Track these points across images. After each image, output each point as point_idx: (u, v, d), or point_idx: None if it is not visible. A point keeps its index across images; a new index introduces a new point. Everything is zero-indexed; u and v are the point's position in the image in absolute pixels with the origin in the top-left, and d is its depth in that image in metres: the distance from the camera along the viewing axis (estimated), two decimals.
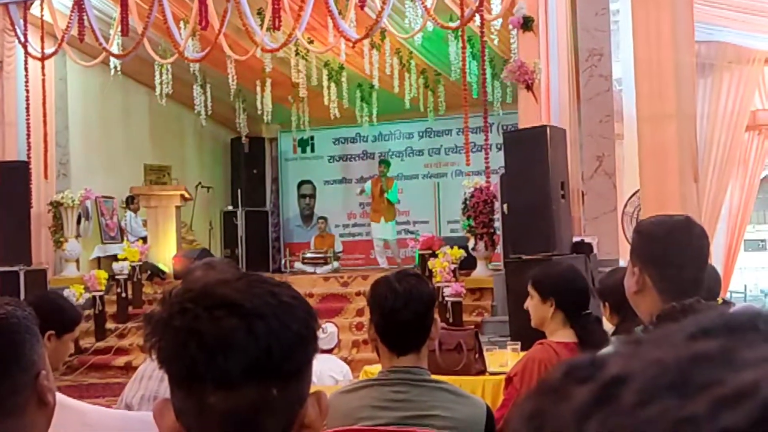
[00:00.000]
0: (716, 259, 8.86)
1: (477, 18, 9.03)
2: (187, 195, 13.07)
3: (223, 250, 14.01)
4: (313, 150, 15.85)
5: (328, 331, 5.11)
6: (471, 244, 10.06)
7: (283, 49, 10.78)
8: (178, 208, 12.99)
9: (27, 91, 10.90)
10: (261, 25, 10.32)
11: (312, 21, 10.33)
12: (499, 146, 10.84)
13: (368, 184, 13.62)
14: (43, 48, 10.93)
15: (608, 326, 3.39)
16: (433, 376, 2.55)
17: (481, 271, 10.18)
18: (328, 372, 4.72)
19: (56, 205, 11.48)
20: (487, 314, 9.71)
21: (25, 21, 10.92)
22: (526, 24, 8.55)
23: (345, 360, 6.30)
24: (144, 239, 12.41)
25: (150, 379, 2.87)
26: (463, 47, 9.74)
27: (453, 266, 9.68)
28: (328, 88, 13.03)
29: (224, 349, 0.98)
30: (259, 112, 13.44)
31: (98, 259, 12.50)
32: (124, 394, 2.95)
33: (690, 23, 7.67)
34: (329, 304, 10.50)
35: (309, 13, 9.81)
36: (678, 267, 2.10)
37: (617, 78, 9.53)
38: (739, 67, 9.68)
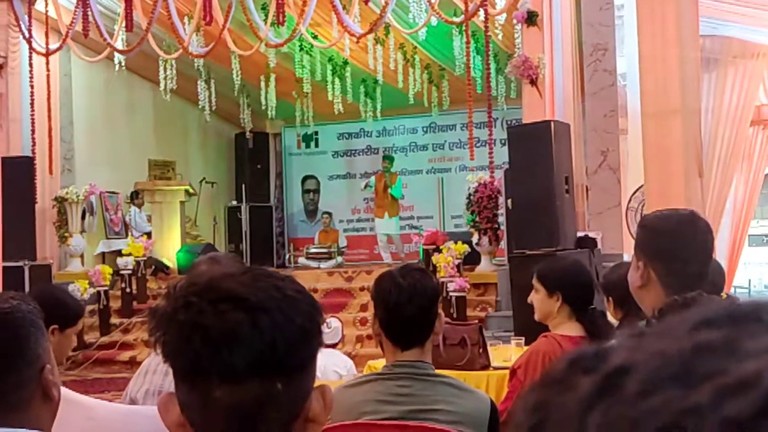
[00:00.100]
0: (720, 254, 8.84)
1: (481, 13, 9.01)
2: (191, 190, 13.10)
3: (228, 245, 14.01)
4: (317, 145, 15.85)
5: (332, 326, 5.12)
6: (475, 239, 10.05)
7: (287, 45, 10.78)
8: (182, 203, 13.03)
9: (32, 86, 10.89)
10: (265, 21, 10.32)
11: (316, 16, 10.34)
12: (503, 141, 10.87)
13: (373, 179, 13.62)
14: (47, 44, 10.92)
15: (612, 321, 3.39)
16: (437, 371, 2.55)
17: (485, 266, 10.19)
18: (332, 367, 4.73)
19: (61, 201, 11.49)
20: (491, 309, 9.71)
21: (30, 17, 10.91)
22: (531, 19, 8.53)
23: (349, 355, 6.30)
24: (148, 234, 12.41)
25: (155, 373, 2.87)
26: (467, 42, 9.73)
27: (457, 261, 9.68)
28: (332, 83, 13.03)
29: (229, 343, 0.98)
30: (263, 108, 13.46)
31: (103, 254, 12.51)
32: (128, 389, 2.95)
33: (695, 19, 7.65)
34: (333, 299, 10.51)
35: (313, 8, 9.81)
36: (683, 261, 2.10)
37: (622, 73, 9.50)
38: (744, 62, 9.65)
